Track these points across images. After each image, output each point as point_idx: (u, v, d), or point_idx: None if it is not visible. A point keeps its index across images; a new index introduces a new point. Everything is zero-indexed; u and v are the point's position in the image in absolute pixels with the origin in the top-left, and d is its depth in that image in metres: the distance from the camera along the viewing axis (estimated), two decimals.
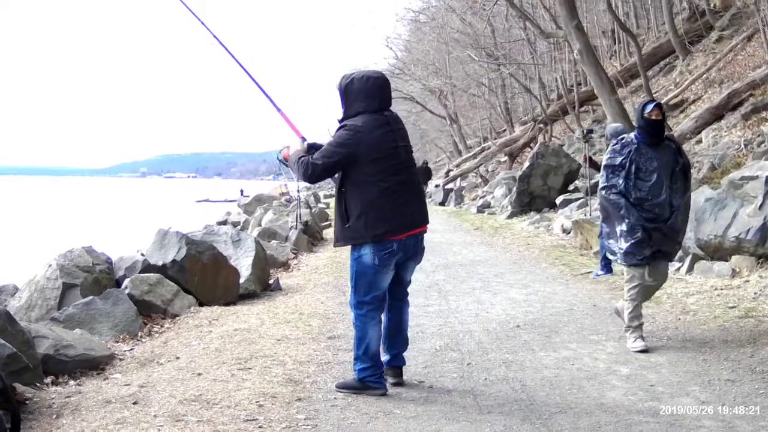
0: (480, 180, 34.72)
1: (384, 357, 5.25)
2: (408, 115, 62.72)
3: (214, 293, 9.02)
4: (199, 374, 5.54)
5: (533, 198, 19.78)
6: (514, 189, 20.85)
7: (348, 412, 4.68)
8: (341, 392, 5.10)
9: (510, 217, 19.78)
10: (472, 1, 32.41)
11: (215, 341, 6.67)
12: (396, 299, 5.28)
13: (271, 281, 10.44)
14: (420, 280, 10.10)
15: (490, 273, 10.81)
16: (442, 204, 30.04)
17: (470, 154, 44.68)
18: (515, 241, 14.91)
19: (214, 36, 6.13)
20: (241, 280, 9.61)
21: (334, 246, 5.34)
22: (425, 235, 5.25)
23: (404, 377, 5.32)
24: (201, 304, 8.70)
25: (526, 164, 20.72)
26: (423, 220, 5.18)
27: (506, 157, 34.74)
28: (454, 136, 52.69)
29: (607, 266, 9.69)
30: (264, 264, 10.58)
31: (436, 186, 36.34)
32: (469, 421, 4.47)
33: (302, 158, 5.10)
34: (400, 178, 5.02)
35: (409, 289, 5.37)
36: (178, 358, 6.17)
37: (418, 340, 6.57)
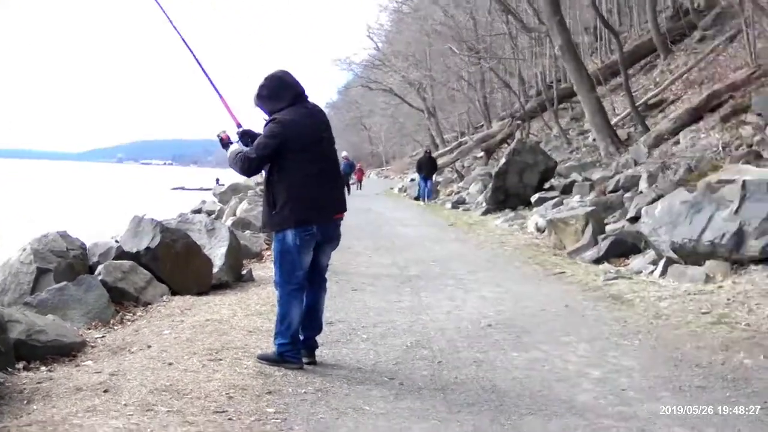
0: (456, 175, 34.78)
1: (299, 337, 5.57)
2: (386, 107, 62.74)
3: (187, 282, 8.91)
4: (170, 364, 5.48)
5: (508, 195, 19.67)
6: (490, 185, 20.87)
7: (318, 407, 4.66)
8: (261, 362, 5.47)
9: (485, 213, 19.72)
10: None
11: (187, 331, 6.61)
12: (313, 283, 5.60)
13: (244, 272, 10.32)
14: (393, 275, 10.09)
15: (463, 270, 10.66)
16: (416, 198, 29.75)
17: (447, 148, 44.77)
18: (489, 238, 14.83)
19: (168, 17, 6.23)
20: (215, 270, 9.49)
21: (261, 231, 5.54)
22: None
23: (316, 358, 5.63)
24: (174, 293, 8.61)
25: (503, 161, 20.69)
26: (341, 207, 5.57)
27: (483, 153, 34.88)
28: (432, 130, 52.66)
29: None
30: (237, 254, 10.43)
31: (411, 180, 36.19)
32: (439, 420, 4.46)
33: (238, 154, 5.43)
34: (321, 166, 5.37)
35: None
36: (149, 346, 6.11)
37: (389, 336, 6.58)
